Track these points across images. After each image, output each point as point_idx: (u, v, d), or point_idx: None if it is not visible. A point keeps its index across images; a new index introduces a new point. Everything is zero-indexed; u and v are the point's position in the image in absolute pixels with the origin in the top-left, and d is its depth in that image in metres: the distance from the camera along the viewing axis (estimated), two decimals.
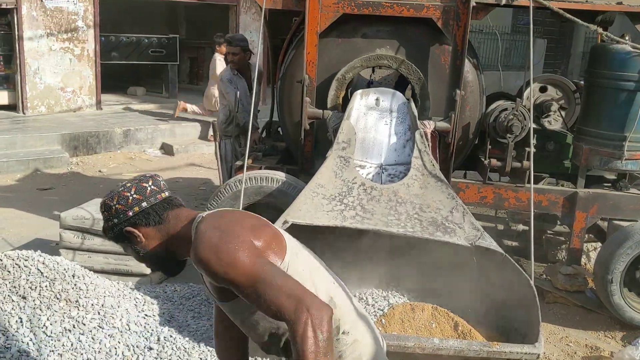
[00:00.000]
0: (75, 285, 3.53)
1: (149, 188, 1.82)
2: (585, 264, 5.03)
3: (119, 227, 1.81)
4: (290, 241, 1.86)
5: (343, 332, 1.80)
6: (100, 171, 8.09)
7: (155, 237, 1.81)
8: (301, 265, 1.80)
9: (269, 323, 1.80)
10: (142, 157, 9.01)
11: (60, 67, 9.92)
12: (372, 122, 4.34)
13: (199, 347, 3.35)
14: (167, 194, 1.87)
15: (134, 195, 1.79)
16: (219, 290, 1.77)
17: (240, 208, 4.02)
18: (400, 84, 5.37)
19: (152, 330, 3.48)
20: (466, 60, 4.46)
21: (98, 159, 8.66)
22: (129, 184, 1.84)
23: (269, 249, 1.73)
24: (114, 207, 1.79)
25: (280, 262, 1.73)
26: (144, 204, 1.80)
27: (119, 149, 9.07)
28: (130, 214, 1.79)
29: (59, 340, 3.12)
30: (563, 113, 5.01)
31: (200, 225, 1.73)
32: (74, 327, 3.24)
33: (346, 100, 4.64)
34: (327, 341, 1.53)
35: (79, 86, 10.21)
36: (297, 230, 3.83)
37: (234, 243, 1.63)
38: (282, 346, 1.85)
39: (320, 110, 4.47)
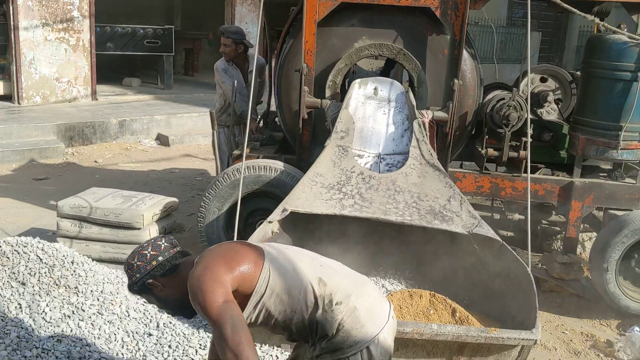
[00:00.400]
0: (74, 271, 3.53)
1: (162, 245, 2.16)
2: (580, 253, 5.07)
3: (141, 280, 2.12)
4: (272, 248, 2.21)
5: (336, 304, 2.06)
6: (95, 161, 8.07)
7: (172, 284, 2.12)
8: (285, 262, 2.13)
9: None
10: (138, 147, 8.99)
11: (55, 57, 9.87)
12: (371, 111, 4.35)
13: (198, 333, 3.36)
14: (178, 248, 2.20)
15: (151, 252, 2.12)
16: None
17: (239, 197, 4.02)
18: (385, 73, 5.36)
19: (152, 316, 3.49)
20: (464, 50, 4.47)
21: (94, 149, 8.64)
22: (145, 244, 2.18)
23: (245, 271, 2.07)
24: (135, 265, 2.11)
25: (259, 274, 2.07)
26: (160, 258, 2.12)
27: (115, 139, 9.05)
28: (149, 267, 2.11)
29: (58, 326, 3.12)
30: (559, 103, 5.03)
31: (194, 264, 2.07)
32: (73, 313, 3.25)
33: (344, 90, 4.65)
34: None
35: (74, 76, 10.17)
36: (296, 219, 3.86)
37: (210, 285, 1.96)
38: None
39: (319, 100, 4.48)
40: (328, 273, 2.14)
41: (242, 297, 2.04)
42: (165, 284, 2.12)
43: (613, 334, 4.21)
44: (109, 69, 12.07)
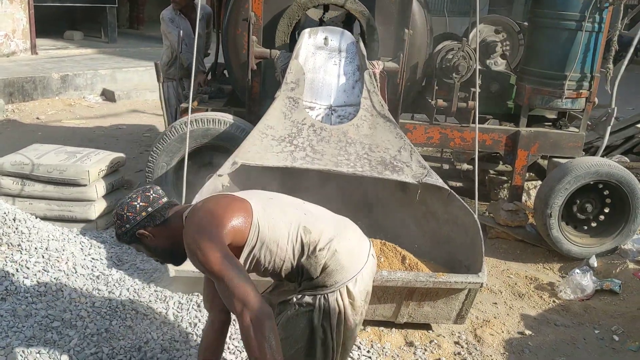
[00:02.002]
0: (16, 229, 3.42)
1: (152, 196, 2.20)
2: (525, 201, 5.22)
3: (131, 231, 2.17)
4: (258, 200, 2.23)
5: (320, 250, 2.16)
6: (38, 118, 7.76)
7: (161, 234, 2.18)
8: (272, 214, 2.19)
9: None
10: (82, 103, 8.68)
11: None
12: (321, 62, 4.29)
13: (149, 287, 3.33)
14: (165, 199, 2.23)
15: (141, 204, 2.17)
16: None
17: (186, 151, 3.94)
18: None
19: (100, 272, 3.43)
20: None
21: (35, 105, 8.29)
22: (134, 195, 2.21)
23: (237, 225, 2.11)
24: (124, 215, 2.16)
25: (249, 228, 2.13)
26: (150, 209, 2.17)
27: (57, 95, 8.70)
28: (139, 218, 2.16)
29: (1, 284, 3.03)
30: (507, 54, 5.08)
31: (186, 221, 2.11)
32: (17, 270, 3.15)
33: (294, 41, 4.56)
34: (262, 337, 1.92)
35: (11, 29, 9.65)
36: (247, 171, 3.82)
37: (207, 243, 2.00)
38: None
39: (268, 50, 4.38)
40: (312, 221, 2.22)
41: (234, 250, 2.10)
42: (155, 234, 2.18)
43: (555, 276, 4.39)
44: (49, 22, 11.49)
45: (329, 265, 2.17)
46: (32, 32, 9.90)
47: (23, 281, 3.11)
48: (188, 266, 3.23)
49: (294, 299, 2.23)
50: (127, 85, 9.32)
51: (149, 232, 2.17)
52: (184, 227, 2.10)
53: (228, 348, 2.99)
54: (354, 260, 2.22)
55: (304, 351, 2.24)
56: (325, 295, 2.19)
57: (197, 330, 3.08)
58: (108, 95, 9.00)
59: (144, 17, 13.84)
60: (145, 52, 10.89)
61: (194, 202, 3.51)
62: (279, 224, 2.18)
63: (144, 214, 2.16)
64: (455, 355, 3.37)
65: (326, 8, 4.85)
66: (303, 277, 2.21)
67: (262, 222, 2.15)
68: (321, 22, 4.85)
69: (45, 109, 8.22)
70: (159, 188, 2.29)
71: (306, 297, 2.21)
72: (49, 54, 10.30)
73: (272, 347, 1.93)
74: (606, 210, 4.48)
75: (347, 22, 5.35)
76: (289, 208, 2.28)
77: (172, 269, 3.14)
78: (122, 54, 10.77)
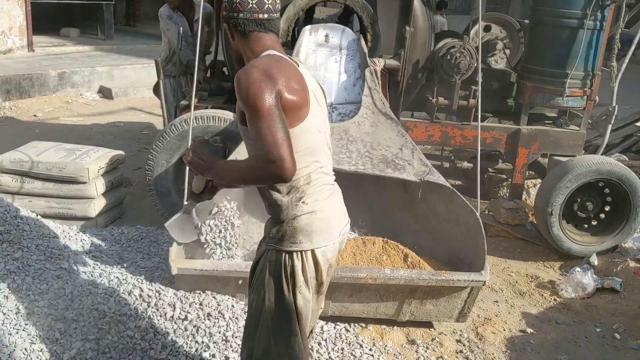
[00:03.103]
0: (17, 226, 3.40)
1: (250, 4, 2.05)
2: (525, 199, 5.22)
3: (225, 18, 2.12)
4: (313, 109, 2.09)
5: (303, 202, 2.08)
6: (35, 115, 7.72)
7: (237, 44, 2.12)
8: (313, 135, 2.08)
9: None
10: (80, 100, 8.64)
11: None
12: (322, 59, 4.28)
13: (151, 285, 3.31)
14: (265, 15, 2.07)
15: (237, 4, 2.05)
16: (241, 113, 2.02)
17: (188, 148, 3.92)
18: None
19: (101, 270, 3.41)
20: None
21: (32, 102, 8.26)
22: None
23: (295, 111, 2.00)
24: (234, 3, 2.06)
25: (296, 123, 2.01)
26: (241, 15, 2.05)
27: (54, 92, 8.66)
28: (226, 14, 2.09)
29: (3, 282, 3.01)
30: (507, 52, 5.08)
31: (257, 59, 2.01)
32: (18, 268, 3.13)
33: (295, 38, 4.55)
34: (260, 183, 2.01)
35: (8, 26, 9.61)
36: None
37: (267, 86, 1.91)
38: None
39: None
40: (318, 176, 2.11)
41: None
42: (234, 37, 2.10)
43: (556, 275, 4.40)
44: (46, 19, 11.45)
45: (300, 219, 2.07)
46: (29, 29, 9.85)
47: (25, 279, 3.09)
48: (190, 264, 3.23)
49: (263, 250, 2.17)
50: (124, 82, 9.29)
51: (231, 31, 2.10)
52: (252, 62, 1.99)
53: (231, 346, 2.98)
54: (327, 230, 2.12)
55: (261, 304, 2.13)
56: (290, 253, 2.08)
57: (198, 327, 3.07)
58: (105, 93, 8.97)
59: (140, 14, 13.79)
60: (142, 50, 10.86)
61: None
62: (307, 150, 2.06)
63: (234, 14, 2.05)
64: (457, 353, 3.37)
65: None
66: (273, 217, 2.13)
67: (303, 128, 2.03)
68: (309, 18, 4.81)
69: (42, 106, 8.19)
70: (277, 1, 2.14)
71: (271, 252, 2.11)
72: (45, 51, 10.26)
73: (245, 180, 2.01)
74: (607, 208, 4.48)
75: (342, 19, 5.33)
76: (324, 147, 2.16)
77: (174, 267, 3.13)
78: (119, 51, 10.74)
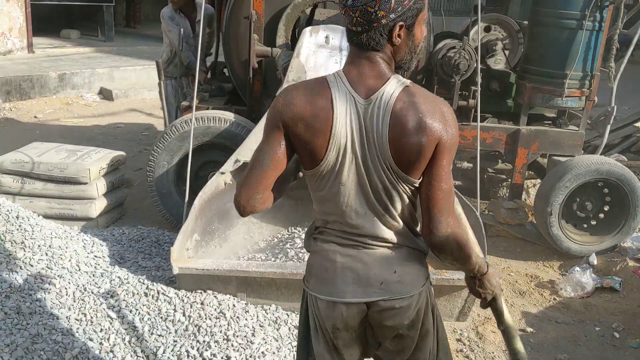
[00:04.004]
0: (20, 226, 3.41)
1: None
2: (525, 199, 5.24)
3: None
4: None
5: (314, 238, 1.86)
6: (35, 117, 7.74)
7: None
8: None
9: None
10: (80, 102, 8.66)
11: None
12: (322, 60, 4.29)
13: (152, 285, 3.32)
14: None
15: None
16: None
17: (190, 149, 3.94)
18: None
19: (103, 270, 3.43)
20: None
21: (33, 104, 8.27)
22: None
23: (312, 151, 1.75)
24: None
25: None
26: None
27: (55, 93, 8.68)
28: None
29: (5, 282, 3.03)
30: (507, 53, 5.10)
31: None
32: (20, 268, 3.15)
33: (295, 39, 4.57)
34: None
35: (8, 28, 9.63)
36: None
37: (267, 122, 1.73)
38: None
39: (269, 48, 4.39)
40: (334, 226, 1.81)
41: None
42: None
43: (555, 274, 4.41)
44: (46, 21, 11.47)
45: (309, 258, 1.88)
46: (29, 30, 9.87)
47: (27, 278, 3.11)
48: (191, 264, 3.24)
49: None
50: (124, 84, 9.30)
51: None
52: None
53: (232, 345, 2.99)
54: (323, 281, 1.81)
55: (301, 340, 1.98)
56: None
57: (200, 327, 3.08)
58: (106, 94, 8.99)
59: (140, 15, 13.82)
60: (143, 51, 10.88)
61: (196, 201, 3.53)
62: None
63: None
64: (457, 352, 3.38)
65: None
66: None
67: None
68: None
69: (42, 107, 8.20)
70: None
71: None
72: (46, 52, 10.28)
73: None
74: (606, 208, 4.50)
75: None
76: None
77: (175, 267, 3.14)
78: (119, 52, 10.76)
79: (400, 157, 1.65)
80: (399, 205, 1.74)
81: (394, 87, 1.66)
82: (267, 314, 3.27)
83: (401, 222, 1.77)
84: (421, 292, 1.81)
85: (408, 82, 1.70)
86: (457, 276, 3.23)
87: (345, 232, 1.79)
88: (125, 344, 2.89)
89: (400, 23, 1.64)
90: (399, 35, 1.66)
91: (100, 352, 2.82)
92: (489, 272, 1.86)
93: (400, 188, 1.71)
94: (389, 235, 1.77)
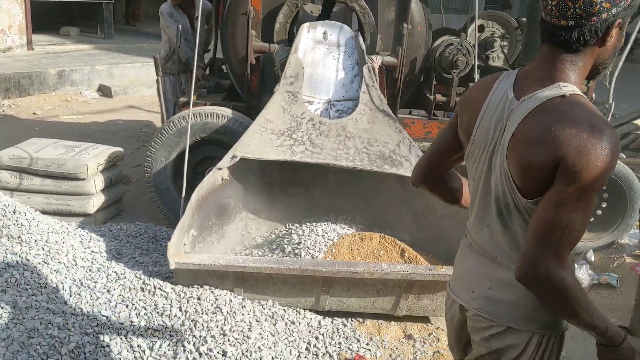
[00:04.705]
0: (16, 221, 3.41)
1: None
2: None
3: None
4: None
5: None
6: (34, 113, 7.73)
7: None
8: None
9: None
10: (79, 99, 8.66)
11: None
12: (320, 56, 4.30)
13: (149, 280, 3.32)
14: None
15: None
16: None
17: (187, 145, 3.95)
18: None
19: (100, 265, 3.43)
20: None
21: (32, 101, 8.27)
22: None
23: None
24: None
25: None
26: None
27: (54, 90, 8.67)
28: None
29: (1, 276, 3.03)
30: (505, 49, 5.10)
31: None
32: (17, 263, 3.15)
33: (293, 35, 4.56)
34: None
35: (7, 25, 9.62)
36: (245, 165, 3.83)
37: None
38: None
39: (267, 44, 4.38)
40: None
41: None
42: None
43: None
44: (45, 18, 11.46)
45: None
46: (29, 27, 9.86)
47: (23, 273, 3.11)
48: (188, 259, 3.24)
49: None
50: (123, 81, 9.30)
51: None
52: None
53: (229, 340, 2.99)
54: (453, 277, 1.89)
55: None
56: None
57: (196, 322, 3.08)
58: (105, 91, 8.99)
59: (140, 13, 13.80)
60: (142, 48, 10.87)
61: (193, 197, 3.53)
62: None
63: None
64: None
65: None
66: None
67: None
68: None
69: (41, 104, 8.20)
70: None
71: None
72: (45, 49, 10.27)
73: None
74: (603, 205, 4.50)
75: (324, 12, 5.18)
76: None
77: (172, 262, 3.14)
78: (118, 50, 10.74)
79: (515, 167, 1.51)
80: (515, 220, 1.58)
81: (550, 92, 1.50)
82: (264, 309, 3.27)
83: (512, 240, 1.61)
84: (522, 333, 1.62)
85: (574, 91, 1.50)
86: None
87: (468, 230, 1.81)
88: (121, 338, 2.89)
89: (619, 20, 1.48)
90: (611, 35, 1.49)
91: (96, 347, 2.82)
92: (624, 346, 1.53)
93: (514, 201, 1.55)
94: (494, 247, 1.66)
